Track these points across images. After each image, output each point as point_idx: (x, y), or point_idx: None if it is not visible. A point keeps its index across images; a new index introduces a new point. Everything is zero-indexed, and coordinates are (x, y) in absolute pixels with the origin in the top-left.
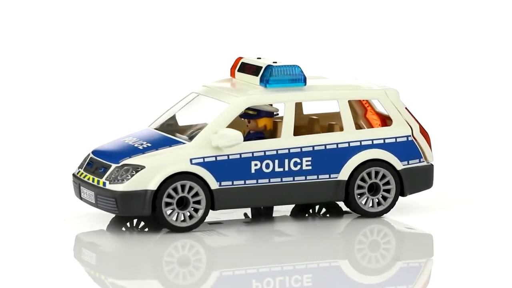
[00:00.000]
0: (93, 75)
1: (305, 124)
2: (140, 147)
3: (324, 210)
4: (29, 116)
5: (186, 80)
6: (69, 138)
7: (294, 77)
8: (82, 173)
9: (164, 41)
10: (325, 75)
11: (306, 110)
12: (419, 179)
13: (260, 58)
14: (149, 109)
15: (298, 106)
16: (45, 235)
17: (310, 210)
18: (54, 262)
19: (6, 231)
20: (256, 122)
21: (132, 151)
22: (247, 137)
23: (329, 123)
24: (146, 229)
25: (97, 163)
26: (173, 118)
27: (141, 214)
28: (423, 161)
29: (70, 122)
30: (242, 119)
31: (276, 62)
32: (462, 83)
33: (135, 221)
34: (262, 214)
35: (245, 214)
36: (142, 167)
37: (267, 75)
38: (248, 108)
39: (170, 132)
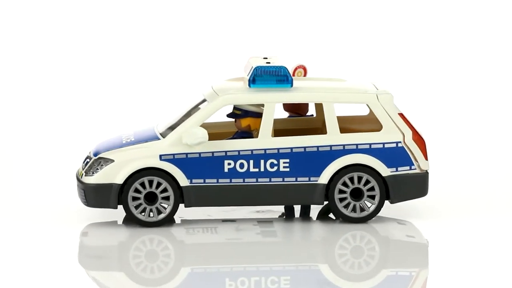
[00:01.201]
0: (106, 76)
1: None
2: (123, 142)
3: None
4: (33, 116)
5: (198, 79)
6: (75, 139)
7: (280, 78)
8: (80, 168)
9: (175, 41)
10: (344, 78)
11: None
12: (410, 186)
13: (265, 58)
14: (159, 109)
15: (319, 107)
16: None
17: (331, 215)
18: (29, 252)
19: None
20: (240, 122)
21: (116, 145)
22: (233, 136)
23: (349, 126)
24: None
25: (88, 157)
26: (186, 116)
27: (108, 207)
28: (415, 169)
29: (75, 122)
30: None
31: (269, 63)
32: (463, 86)
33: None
34: (300, 214)
35: (283, 214)
36: (112, 161)
37: (252, 75)
38: (235, 108)
39: (168, 130)
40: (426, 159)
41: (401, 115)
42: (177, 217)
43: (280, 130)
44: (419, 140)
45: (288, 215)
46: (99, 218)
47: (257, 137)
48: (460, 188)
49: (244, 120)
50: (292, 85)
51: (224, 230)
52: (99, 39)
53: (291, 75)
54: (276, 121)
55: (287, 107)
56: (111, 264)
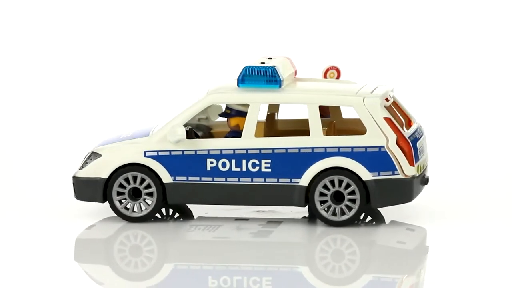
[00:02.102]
0: (111, 75)
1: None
2: (120, 138)
3: (369, 218)
4: (37, 116)
5: (204, 79)
6: (78, 136)
7: (269, 78)
8: None
9: (183, 41)
10: (354, 80)
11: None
12: (393, 192)
13: (270, 58)
14: (166, 108)
15: (337, 110)
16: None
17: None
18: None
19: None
20: (230, 121)
21: (110, 141)
22: (225, 136)
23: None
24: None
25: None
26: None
27: (95, 201)
28: (398, 174)
29: (79, 119)
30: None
31: (263, 63)
32: (464, 86)
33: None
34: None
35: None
36: (100, 156)
37: (241, 74)
38: (227, 107)
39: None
40: (412, 164)
41: (388, 119)
42: (189, 214)
43: (290, 131)
44: (405, 145)
45: (311, 216)
46: (96, 212)
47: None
48: (463, 192)
49: (233, 119)
50: (280, 86)
51: (225, 229)
52: (105, 39)
53: (323, 76)
54: (286, 122)
55: None
56: (98, 257)
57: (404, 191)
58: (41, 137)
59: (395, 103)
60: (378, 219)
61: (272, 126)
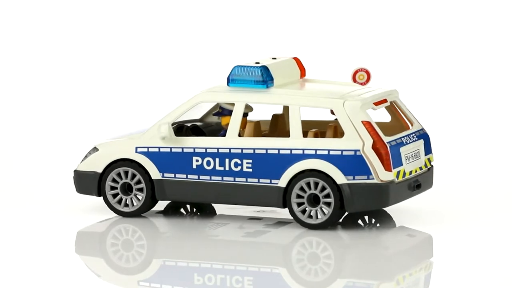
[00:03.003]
0: (115, 75)
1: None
2: (126, 134)
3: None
4: (42, 114)
5: (211, 79)
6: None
7: (257, 79)
8: None
9: (189, 42)
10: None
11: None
12: (367, 196)
13: (275, 59)
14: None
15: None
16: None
17: (360, 221)
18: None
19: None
20: (221, 120)
21: (113, 137)
22: (220, 134)
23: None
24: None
25: None
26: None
27: (91, 194)
28: (373, 178)
29: (85, 118)
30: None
31: (258, 62)
32: (464, 86)
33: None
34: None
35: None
36: (97, 150)
37: (230, 74)
38: (219, 107)
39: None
40: (388, 169)
41: (367, 123)
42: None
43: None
44: (381, 150)
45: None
46: (100, 205)
47: (242, 135)
48: (455, 198)
49: (224, 118)
50: (267, 87)
51: (226, 227)
52: (110, 36)
53: (352, 78)
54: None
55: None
56: (93, 250)
57: (378, 196)
58: (47, 133)
59: (394, 107)
60: (383, 222)
61: (276, 126)
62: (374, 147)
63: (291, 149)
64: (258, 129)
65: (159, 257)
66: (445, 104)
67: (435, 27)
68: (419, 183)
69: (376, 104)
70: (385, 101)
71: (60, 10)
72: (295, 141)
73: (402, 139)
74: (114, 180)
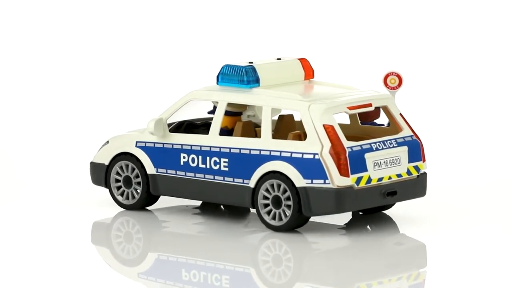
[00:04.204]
0: (121, 76)
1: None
2: (140, 128)
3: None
4: (56, 108)
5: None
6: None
7: (241, 78)
8: None
9: (193, 42)
10: (352, 85)
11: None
12: (322, 201)
13: (280, 59)
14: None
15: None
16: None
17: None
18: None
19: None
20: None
21: (132, 130)
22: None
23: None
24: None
25: None
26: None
27: (101, 185)
28: (329, 183)
29: (105, 111)
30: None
31: (251, 62)
32: (461, 88)
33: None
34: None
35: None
36: (107, 143)
37: (219, 72)
38: (213, 105)
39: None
40: (344, 175)
41: (328, 127)
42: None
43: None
44: (338, 154)
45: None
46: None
47: (228, 134)
48: (453, 198)
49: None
50: (250, 87)
51: (230, 225)
52: (118, 34)
53: (383, 83)
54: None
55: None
56: (100, 240)
57: (334, 201)
58: (66, 127)
59: (386, 111)
60: (359, 228)
61: (280, 127)
62: (331, 152)
63: (260, 150)
64: (248, 129)
65: (154, 251)
66: (442, 111)
67: (437, 28)
68: (393, 190)
69: (352, 108)
70: (368, 105)
71: (59, 11)
72: (264, 142)
73: (373, 144)
74: (118, 173)
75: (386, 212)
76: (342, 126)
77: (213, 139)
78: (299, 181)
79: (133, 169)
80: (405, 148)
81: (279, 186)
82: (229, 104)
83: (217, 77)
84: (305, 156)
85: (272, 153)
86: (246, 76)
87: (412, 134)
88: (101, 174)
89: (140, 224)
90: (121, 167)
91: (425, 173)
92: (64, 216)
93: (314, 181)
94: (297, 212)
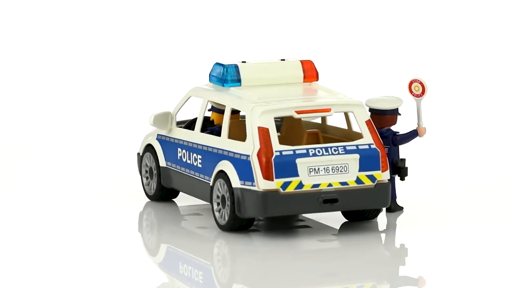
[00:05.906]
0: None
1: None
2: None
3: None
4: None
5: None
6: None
7: (220, 77)
8: None
9: (197, 42)
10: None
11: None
12: (251, 203)
13: (283, 60)
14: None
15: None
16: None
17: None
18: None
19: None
20: (211, 115)
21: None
22: (208, 129)
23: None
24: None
25: None
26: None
27: (140, 175)
28: (255, 186)
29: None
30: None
31: (244, 61)
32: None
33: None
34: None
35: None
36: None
37: (211, 70)
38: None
39: None
40: (268, 178)
41: (262, 129)
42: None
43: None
44: (262, 157)
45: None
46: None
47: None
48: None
49: (212, 114)
50: (227, 86)
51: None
52: (112, 38)
53: (408, 90)
54: (308, 124)
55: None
56: (134, 228)
57: (259, 204)
58: (66, 127)
59: (346, 117)
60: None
61: (286, 127)
62: (258, 154)
63: (218, 149)
64: (237, 127)
65: (165, 243)
66: (442, 111)
67: (438, 29)
68: (333, 198)
69: (299, 112)
70: (326, 110)
71: (60, 11)
72: (221, 141)
73: (310, 150)
74: (146, 164)
75: (390, 214)
76: (331, 127)
77: (195, 135)
78: (235, 182)
79: (153, 161)
80: (356, 156)
81: (224, 185)
82: (213, 102)
83: (209, 75)
84: (241, 157)
85: (224, 153)
86: (226, 75)
87: (372, 142)
88: (138, 164)
89: (149, 213)
90: (147, 158)
91: (386, 183)
92: (109, 209)
93: (246, 182)
94: (233, 213)
